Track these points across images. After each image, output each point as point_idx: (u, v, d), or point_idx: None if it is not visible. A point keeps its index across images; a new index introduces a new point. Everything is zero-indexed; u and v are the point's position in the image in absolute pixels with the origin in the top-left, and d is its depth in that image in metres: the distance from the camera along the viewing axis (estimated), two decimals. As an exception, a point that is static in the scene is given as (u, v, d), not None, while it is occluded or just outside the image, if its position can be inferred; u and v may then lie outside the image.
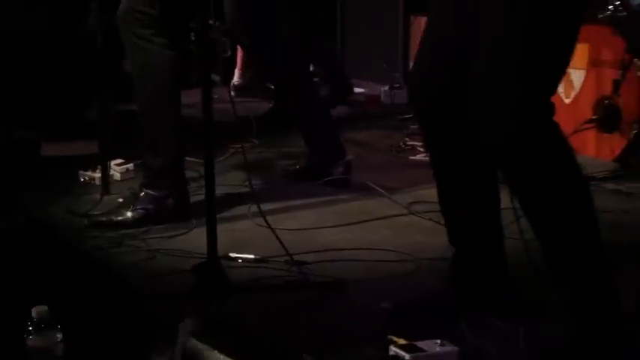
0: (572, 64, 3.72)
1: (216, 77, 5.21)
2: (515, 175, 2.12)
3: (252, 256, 2.71)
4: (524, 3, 2.05)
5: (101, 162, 3.38)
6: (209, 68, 2.59)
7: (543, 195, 2.09)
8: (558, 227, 2.08)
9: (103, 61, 3.44)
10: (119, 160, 3.57)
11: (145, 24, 3.04)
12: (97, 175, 3.42)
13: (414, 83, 2.38)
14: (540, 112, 2.08)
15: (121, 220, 3.05)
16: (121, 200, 3.14)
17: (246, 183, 3.04)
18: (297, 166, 3.67)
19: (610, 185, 3.51)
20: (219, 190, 3.13)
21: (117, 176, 3.52)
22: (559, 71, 2.16)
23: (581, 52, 3.84)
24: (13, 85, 3.99)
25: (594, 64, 3.87)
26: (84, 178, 3.56)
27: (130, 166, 3.58)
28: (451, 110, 2.21)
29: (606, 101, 3.75)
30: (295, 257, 2.64)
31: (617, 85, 3.69)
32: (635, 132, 3.67)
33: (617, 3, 3.82)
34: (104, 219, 3.06)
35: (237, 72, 5.38)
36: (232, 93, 5.20)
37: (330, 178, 3.52)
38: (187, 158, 3.22)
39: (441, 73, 2.25)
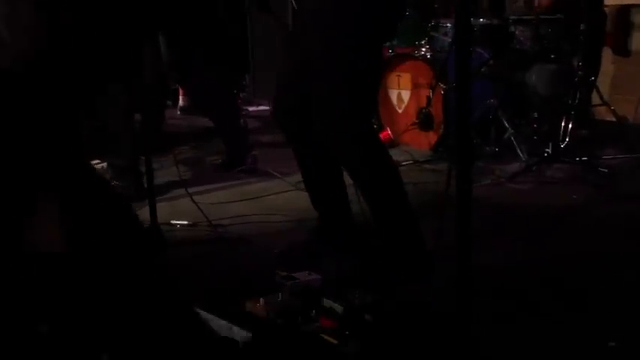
0: (402, 86, 3.92)
1: (168, 102, 5.15)
2: (347, 163, 2.13)
3: (185, 222, 2.67)
4: (338, 49, 2.01)
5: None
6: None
7: (366, 177, 2.10)
8: (378, 196, 2.11)
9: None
10: (96, 161, 3.40)
11: None
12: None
13: (275, 101, 2.28)
14: (359, 122, 2.06)
15: None
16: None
17: (184, 174, 3.04)
18: (220, 161, 3.61)
19: (428, 166, 3.53)
20: (165, 179, 3.16)
21: (94, 172, 3.42)
22: (369, 93, 2.13)
23: (407, 79, 3.89)
24: None
25: (415, 86, 3.88)
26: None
27: (104, 164, 3.49)
28: (301, 119, 2.17)
29: (424, 110, 3.77)
30: (214, 222, 2.62)
31: (429, 100, 3.72)
32: (441, 131, 3.70)
33: (427, 47, 3.92)
34: None
35: (181, 97, 5.26)
36: (179, 112, 5.21)
37: (241, 167, 3.47)
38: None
39: (293, 93, 2.19)
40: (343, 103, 2.03)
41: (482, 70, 3.62)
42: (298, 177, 3.28)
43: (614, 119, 3.80)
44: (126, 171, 3.06)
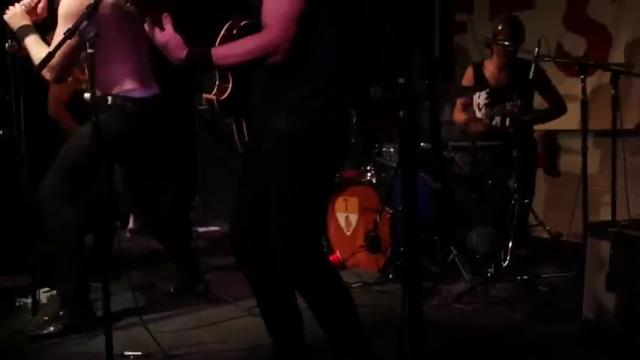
0: (350, 209, 4.07)
1: (117, 223, 5.16)
2: (300, 287, 2.20)
3: (139, 353, 2.65)
4: (296, 185, 2.10)
5: (32, 290, 3.25)
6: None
7: (319, 300, 2.17)
8: (331, 318, 2.17)
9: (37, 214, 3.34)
10: (46, 288, 3.39)
11: (57, 199, 2.91)
12: (29, 300, 3.28)
13: (230, 223, 2.32)
14: (309, 250, 2.14)
15: (46, 333, 2.94)
16: (46, 318, 3.02)
17: (139, 300, 3.02)
18: (173, 286, 3.60)
19: (377, 287, 3.61)
20: (119, 305, 3.14)
21: (44, 300, 3.35)
22: (317, 223, 2.20)
23: (354, 202, 4.05)
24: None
25: (362, 210, 4.01)
26: (19, 303, 3.40)
27: (54, 292, 3.40)
28: (257, 242, 2.23)
29: (371, 233, 3.85)
30: (169, 352, 2.62)
31: (376, 223, 3.81)
32: (389, 253, 3.78)
33: (373, 172, 4.08)
34: (34, 333, 2.94)
35: (131, 219, 5.29)
36: (128, 234, 5.23)
37: (194, 292, 3.46)
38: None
39: (248, 216, 2.24)
40: (299, 233, 2.13)
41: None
42: (251, 302, 3.32)
43: (549, 237, 4.07)
44: (75, 299, 3.01)
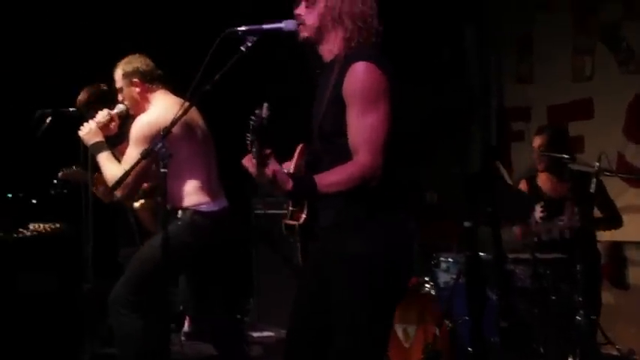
0: (408, 321, 4.01)
1: (172, 325, 5.19)
2: None
3: None
4: (355, 308, 2.11)
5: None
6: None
7: None
8: None
9: (94, 316, 3.42)
10: None
11: (126, 306, 3.03)
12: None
13: (288, 333, 2.31)
14: None
15: None
16: None
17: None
18: None
19: None
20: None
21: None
22: (383, 346, 2.24)
23: (412, 314, 3.95)
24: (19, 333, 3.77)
25: (421, 322, 3.92)
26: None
27: None
28: (316, 354, 2.19)
29: (430, 347, 3.77)
30: None
31: (436, 337, 3.75)
32: None
33: (431, 284, 4.04)
34: None
35: (187, 322, 5.24)
36: (183, 338, 5.22)
37: None
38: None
39: (307, 327, 2.23)
40: (364, 357, 2.13)
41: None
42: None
43: (619, 355, 3.91)
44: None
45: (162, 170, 2.43)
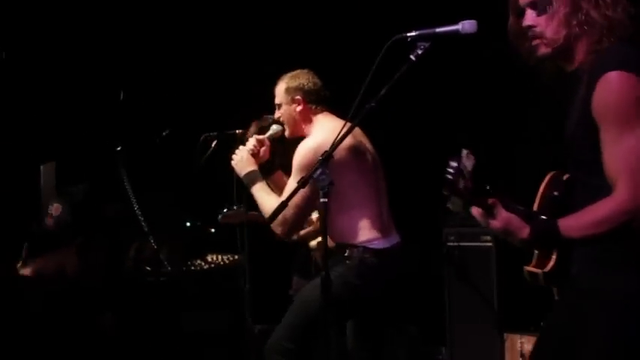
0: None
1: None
2: None
3: None
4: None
5: None
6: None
7: None
8: None
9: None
10: None
11: (281, 354, 2.76)
12: None
13: None
14: None
15: None
16: None
17: None
18: None
19: None
20: None
21: None
22: None
23: None
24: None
25: None
26: None
27: None
28: None
29: None
30: None
31: None
32: None
33: None
34: None
35: None
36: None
37: None
38: None
39: None
40: None
41: None
42: None
43: None
44: None
45: (321, 200, 2.12)
